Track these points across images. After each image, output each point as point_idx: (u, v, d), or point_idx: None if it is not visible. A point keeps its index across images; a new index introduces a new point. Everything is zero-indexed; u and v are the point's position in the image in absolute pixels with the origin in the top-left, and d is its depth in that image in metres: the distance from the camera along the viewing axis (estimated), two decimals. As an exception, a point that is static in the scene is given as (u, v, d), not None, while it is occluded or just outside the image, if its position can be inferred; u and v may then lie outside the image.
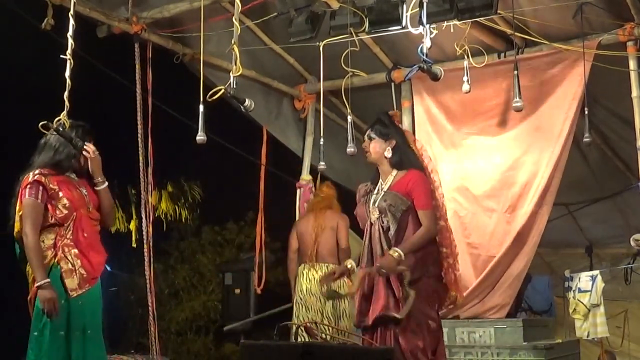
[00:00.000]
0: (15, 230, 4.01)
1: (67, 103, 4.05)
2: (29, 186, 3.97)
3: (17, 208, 3.99)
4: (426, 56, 4.51)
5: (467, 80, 5.68)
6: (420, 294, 4.01)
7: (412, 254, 4.04)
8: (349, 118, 5.64)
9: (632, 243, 5.67)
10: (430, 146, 6.47)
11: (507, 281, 5.94)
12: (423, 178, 4.17)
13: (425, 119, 6.64)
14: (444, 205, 4.28)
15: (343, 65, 5.68)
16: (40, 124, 3.96)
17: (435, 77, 4.69)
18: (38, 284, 3.87)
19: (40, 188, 3.97)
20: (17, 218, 3.99)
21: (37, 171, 4.01)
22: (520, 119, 6.11)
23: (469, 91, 5.70)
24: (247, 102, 4.18)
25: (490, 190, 6.16)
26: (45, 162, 4.05)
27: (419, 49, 4.52)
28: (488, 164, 6.24)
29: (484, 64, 6.09)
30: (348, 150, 5.45)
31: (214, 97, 3.98)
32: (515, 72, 5.11)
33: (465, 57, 5.77)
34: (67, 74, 4.06)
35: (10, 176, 4.11)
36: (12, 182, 4.08)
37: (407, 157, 4.23)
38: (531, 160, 6.03)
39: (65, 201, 4.02)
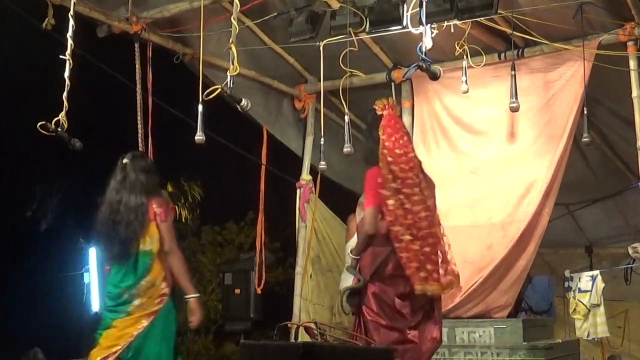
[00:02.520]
0: (156, 249, 4.37)
1: (65, 103, 4.06)
2: (168, 211, 4.51)
3: (152, 229, 4.38)
4: (425, 55, 4.51)
5: (466, 81, 5.69)
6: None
7: (365, 254, 4.12)
8: (347, 118, 5.64)
9: (630, 251, 5.66)
10: (437, 146, 6.49)
11: (509, 282, 5.93)
12: (370, 175, 4.13)
13: (429, 119, 6.63)
14: (398, 194, 4.07)
15: (342, 65, 5.68)
16: (39, 124, 3.96)
17: (434, 76, 4.69)
18: (193, 296, 4.44)
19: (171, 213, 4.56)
20: (150, 238, 4.38)
21: (165, 195, 4.42)
22: (524, 120, 6.10)
23: (467, 91, 5.70)
24: (244, 101, 4.18)
25: (494, 193, 6.15)
26: (155, 186, 4.51)
27: (418, 48, 4.52)
28: (492, 167, 6.24)
29: (485, 65, 6.09)
30: (345, 149, 5.45)
31: (211, 96, 3.98)
32: (513, 72, 5.12)
33: (465, 56, 5.77)
34: (67, 74, 4.07)
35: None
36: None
37: (370, 153, 4.20)
38: (535, 162, 6.02)
39: None
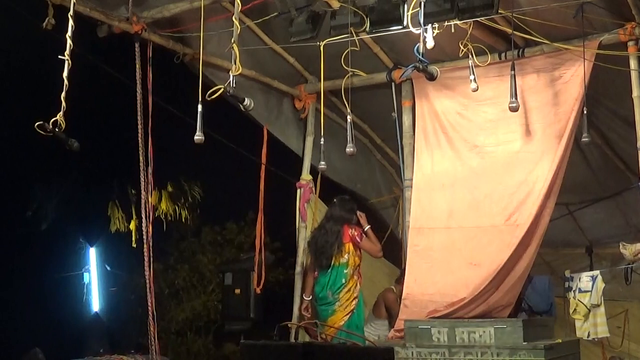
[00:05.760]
0: (351, 263, 6.37)
1: (64, 103, 4.05)
2: (361, 233, 6.43)
3: (348, 248, 6.36)
4: (422, 56, 4.50)
5: (475, 79, 5.67)
6: None
7: None
8: (349, 118, 5.64)
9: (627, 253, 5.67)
10: (439, 147, 6.48)
11: (511, 282, 5.92)
12: None
13: (430, 119, 6.62)
14: None
15: (343, 65, 5.67)
16: (37, 124, 3.96)
17: (431, 77, 4.69)
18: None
19: None
20: (346, 255, 6.36)
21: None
22: (527, 120, 6.08)
23: (477, 89, 5.68)
24: (247, 101, 4.18)
25: (497, 194, 6.14)
26: (352, 218, 6.48)
27: (415, 49, 4.51)
28: (495, 167, 6.24)
29: (487, 64, 6.08)
30: (347, 149, 5.45)
31: (214, 96, 3.98)
32: (512, 72, 5.11)
33: (470, 55, 5.76)
34: (65, 74, 4.06)
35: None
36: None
37: None
38: (537, 163, 6.00)
39: None
